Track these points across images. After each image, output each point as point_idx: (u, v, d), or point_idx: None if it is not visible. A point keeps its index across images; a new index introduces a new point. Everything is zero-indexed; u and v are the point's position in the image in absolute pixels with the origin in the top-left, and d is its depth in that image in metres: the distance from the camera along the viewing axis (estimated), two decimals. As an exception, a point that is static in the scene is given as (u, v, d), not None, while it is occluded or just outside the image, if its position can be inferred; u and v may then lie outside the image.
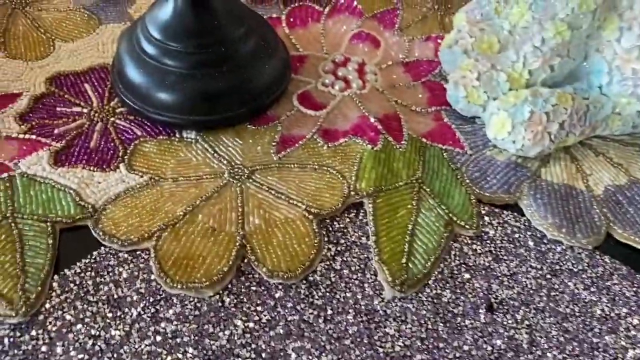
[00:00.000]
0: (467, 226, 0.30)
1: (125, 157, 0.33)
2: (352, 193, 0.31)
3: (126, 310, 0.26)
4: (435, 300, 0.28)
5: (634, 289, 0.28)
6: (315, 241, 0.29)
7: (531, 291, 0.28)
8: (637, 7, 0.30)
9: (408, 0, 0.45)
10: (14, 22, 0.41)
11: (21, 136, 0.33)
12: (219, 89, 0.34)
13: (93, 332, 0.26)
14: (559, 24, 0.32)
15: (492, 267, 0.29)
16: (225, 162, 0.33)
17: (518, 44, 0.35)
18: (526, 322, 0.27)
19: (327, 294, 0.27)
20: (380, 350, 0.26)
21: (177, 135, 0.34)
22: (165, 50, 0.34)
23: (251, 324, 0.26)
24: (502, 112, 0.33)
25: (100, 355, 0.25)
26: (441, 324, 0.27)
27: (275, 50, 0.37)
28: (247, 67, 0.35)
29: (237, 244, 0.29)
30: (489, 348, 0.26)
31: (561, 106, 0.33)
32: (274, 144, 0.34)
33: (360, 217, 0.31)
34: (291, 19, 0.43)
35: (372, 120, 0.35)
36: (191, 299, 0.27)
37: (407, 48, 0.41)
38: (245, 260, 0.29)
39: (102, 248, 0.29)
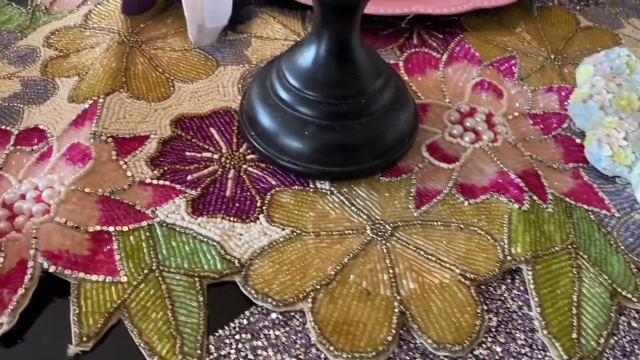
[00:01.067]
0: (633, 298, 0.29)
1: (264, 207, 0.32)
2: (509, 258, 0.30)
3: (289, 379, 0.25)
4: (613, 382, 0.26)
5: None
6: (478, 310, 0.27)
7: None
8: None
9: (522, 48, 0.44)
10: (133, 62, 0.40)
11: (155, 182, 0.33)
12: (357, 141, 0.33)
13: (259, 402, 0.24)
14: None
15: (666, 345, 0.27)
16: (364, 216, 0.32)
17: (667, 102, 0.34)
18: None
19: (497, 369, 0.26)
20: None
21: (311, 186, 0.33)
22: (303, 99, 0.33)
23: (423, 401, 0.25)
24: (655, 175, 0.32)
25: None
26: (624, 410, 0.25)
27: (407, 100, 0.36)
28: (384, 118, 0.34)
29: (396, 310, 0.27)
30: None
31: None
32: (410, 198, 0.33)
33: (517, 284, 0.29)
34: (409, 66, 0.42)
35: (512, 176, 0.34)
36: (355, 369, 0.25)
37: (531, 99, 0.40)
38: (404, 328, 0.27)
39: (254, 307, 0.28)
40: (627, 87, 0.36)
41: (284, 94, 0.33)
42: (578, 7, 0.50)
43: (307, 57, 0.33)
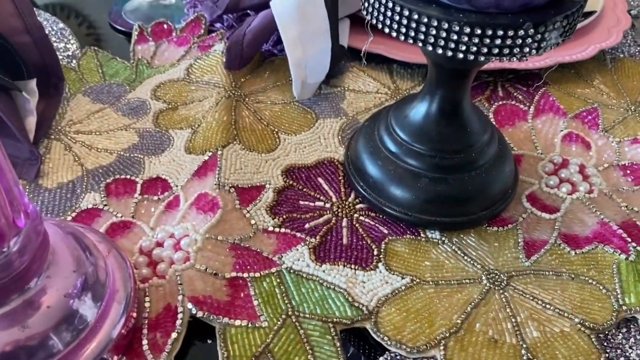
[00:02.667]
0: None
1: (381, 256, 0.34)
2: (624, 307, 0.31)
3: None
4: None
5: None
6: (602, 358, 0.29)
7: None
8: None
9: (602, 100, 0.46)
10: (240, 115, 0.43)
11: (277, 229, 0.35)
12: (467, 193, 0.35)
13: None
14: None
15: None
16: (478, 266, 0.33)
17: None
18: None
19: (629, 418, 0.27)
20: None
21: (422, 235, 0.35)
22: (414, 153, 0.35)
23: None
24: None
25: None
26: None
27: (508, 152, 0.38)
28: (492, 170, 0.36)
29: (524, 357, 0.29)
30: None
31: None
32: (519, 248, 0.35)
33: (633, 333, 0.30)
34: (499, 117, 0.44)
35: (614, 227, 0.35)
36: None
37: (617, 150, 0.42)
38: (532, 375, 0.29)
39: (387, 353, 0.29)
40: None
41: (393, 147, 0.36)
42: (648, 59, 0.52)
43: (418, 113, 0.36)
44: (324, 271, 0.33)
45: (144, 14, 0.57)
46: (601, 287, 0.32)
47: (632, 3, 0.61)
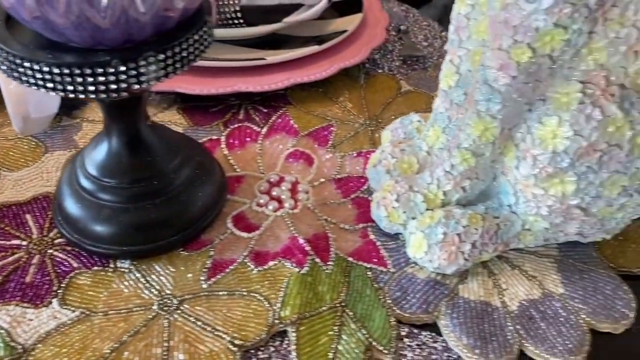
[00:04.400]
0: (385, 351, 0.32)
1: (59, 291, 0.34)
2: (277, 321, 0.32)
3: None
4: None
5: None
6: (239, 375, 0.30)
7: (447, 416, 0.29)
8: (529, 140, 0.33)
9: (341, 116, 0.49)
10: (-37, 154, 0.43)
11: (-42, 274, 0.34)
12: (152, 220, 0.36)
13: None
14: (463, 152, 0.35)
15: (409, 392, 0.30)
16: (155, 292, 0.34)
17: (432, 166, 0.38)
18: None
19: None
20: None
21: (112, 266, 0.36)
22: (100, 186, 0.36)
23: None
24: (418, 233, 0.36)
25: None
26: None
27: (210, 175, 0.39)
28: (181, 196, 0.37)
29: (161, 381, 0.30)
30: None
31: (472, 227, 0.35)
32: (205, 270, 0.36)
33: (285, 346, 0.32)
34: (230, 140, 0.45)
35: (300, 241, 0.37)
36: None
37: (339, 164, 0.44)
38: (169, 398, 0.29)
39: (28, 392, 0.29)
40: (409, 152, 0.40)
41: (84, 182, 0.36)
42: (406, 73, 0.55)
43: (102, 148, 0.36)
44: (-9, 312, 0.33)
45: None
46: (266, 303, 0.34)
47: (408, 17, 0.65)
